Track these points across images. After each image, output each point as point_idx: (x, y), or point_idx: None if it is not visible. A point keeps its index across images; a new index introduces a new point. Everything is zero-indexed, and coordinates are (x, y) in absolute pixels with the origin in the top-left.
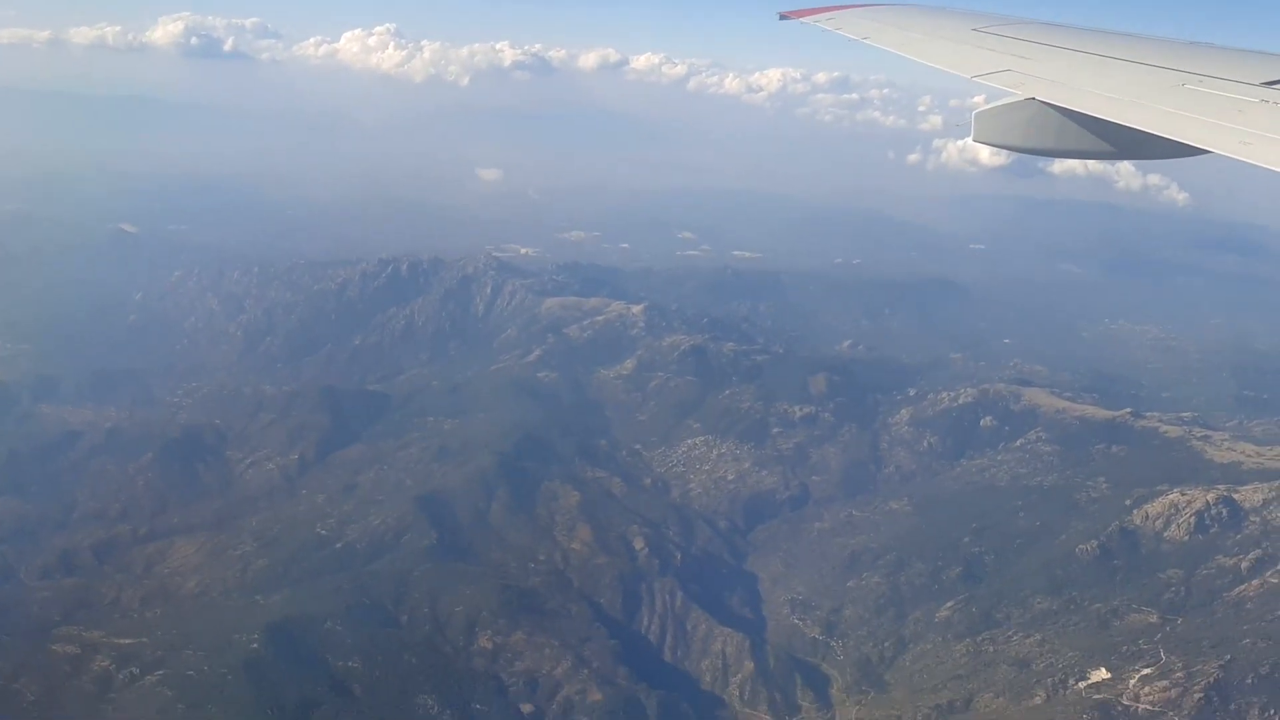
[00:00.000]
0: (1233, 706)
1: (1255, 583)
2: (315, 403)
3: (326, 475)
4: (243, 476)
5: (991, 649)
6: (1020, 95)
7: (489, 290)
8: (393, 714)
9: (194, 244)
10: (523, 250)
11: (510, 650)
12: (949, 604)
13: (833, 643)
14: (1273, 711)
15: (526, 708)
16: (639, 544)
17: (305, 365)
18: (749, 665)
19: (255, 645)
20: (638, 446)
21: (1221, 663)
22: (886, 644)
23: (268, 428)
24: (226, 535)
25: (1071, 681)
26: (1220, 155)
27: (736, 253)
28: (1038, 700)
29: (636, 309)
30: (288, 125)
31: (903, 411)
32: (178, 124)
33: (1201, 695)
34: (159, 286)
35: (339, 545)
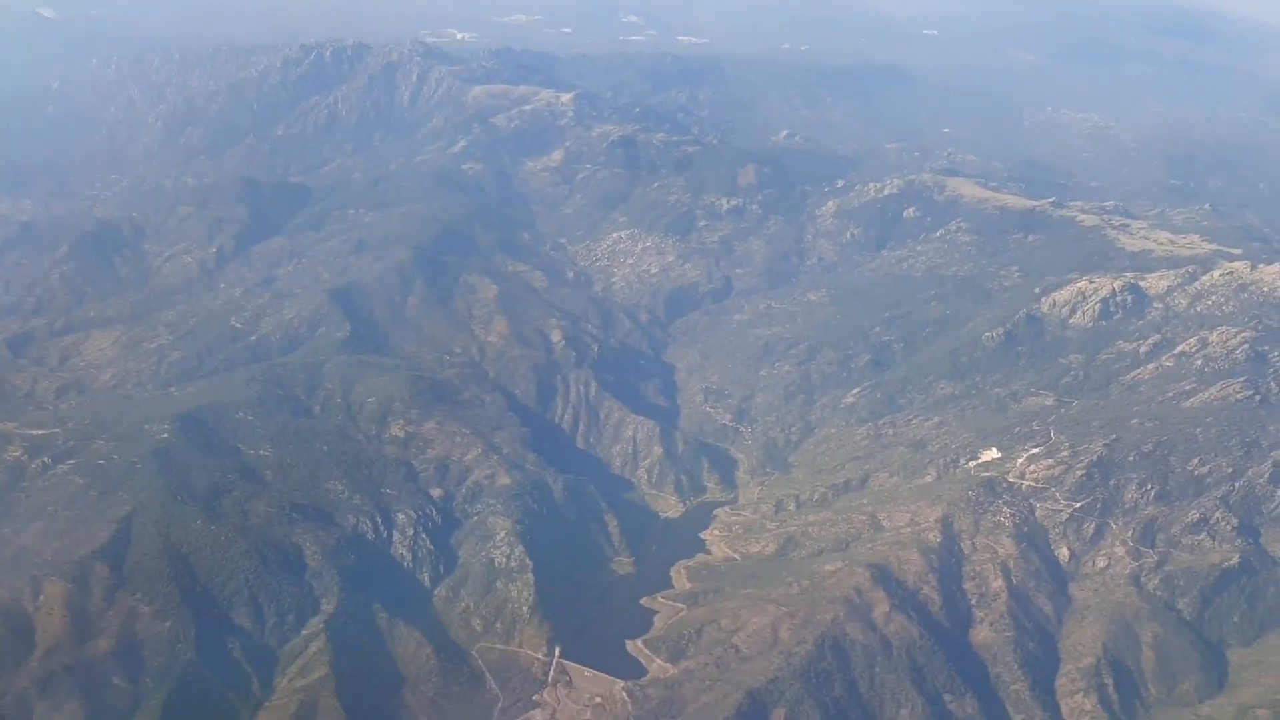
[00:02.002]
0: (1112, 482)
1: (1151, 366)
2: (235, 195)
3: (244, 268)
4: (160, 270)
5: (891, 432)
6: None
7: (414, 78)
8: (303, 498)
9: (114, 30)
10: (459, 35)
11: (422, 438)
12: (855, 390)
13: (742, 429)
14: (1150, 486)
15: (436, 492)
16: (556, 336)
17: (226, 157)
18: (658, 450)
19: (166, 435)
20: (562, 240)
21: (1107, 442)
22: (793, 429)
23: (186, 221)
24: (142, 328)
25: (963, 461)
26: None
27: (682, 38)
28: (928, 478)
29: (566, 98)
30: None
31: (829, 203)
32: None
33: (1084, 472)
34: (78, 75)
35: (254, 338)
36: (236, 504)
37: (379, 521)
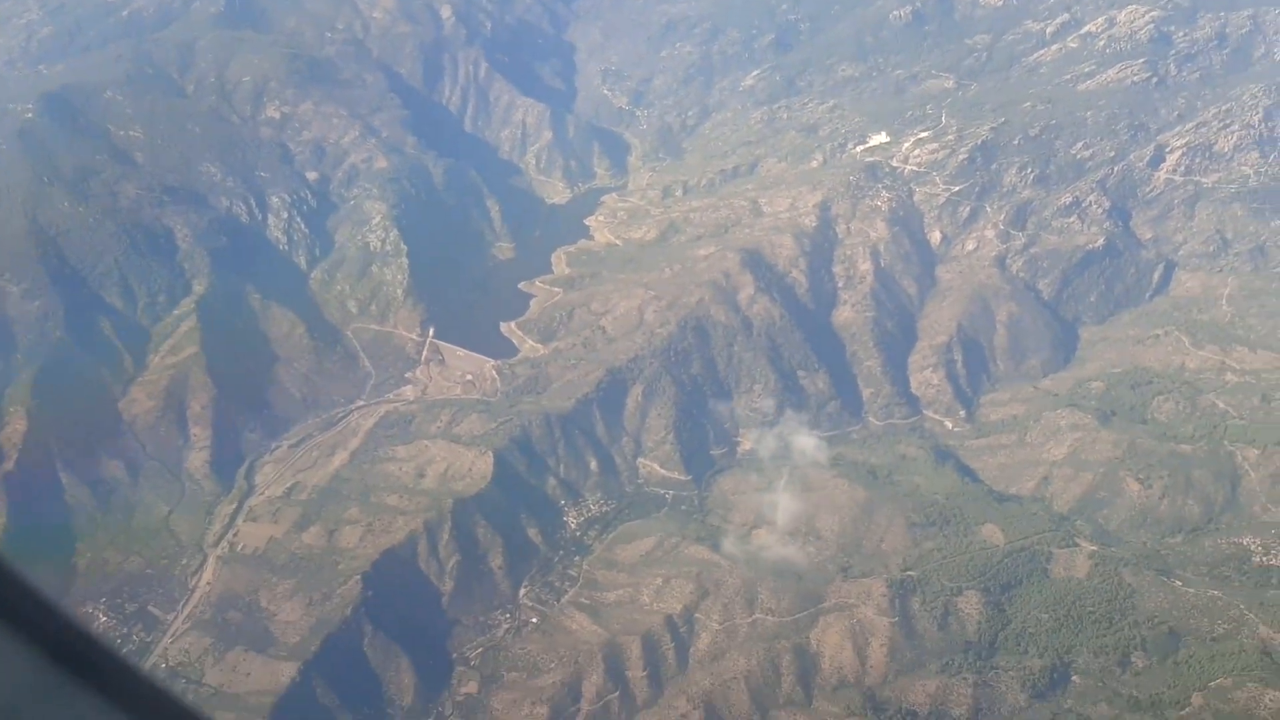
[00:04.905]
0: (994, 166)
1: (1055, 47)
2: None
3: None
4: None
5: (785, 116)
6: None
7: None
8: (175, 180)
9: None
10: None
11: (298, 120)
12: (755, 72)
13: (639, 112)
14: (1030, 170)
15: (311, 175)
16: (446, 12)
17: None
18: (548, 135)
19: (31, 115)
20: None
21: (994, 125)
22: (690, 113)
23: None
24: (11, 3)
25: (850, 145)
26: None
27: None
28: (814, 164)
29: None
30: None
31: None
32: None
33: (966, 156)
34: None
35: (125, 13)
36: (105, 186)
37: (253, 204)
